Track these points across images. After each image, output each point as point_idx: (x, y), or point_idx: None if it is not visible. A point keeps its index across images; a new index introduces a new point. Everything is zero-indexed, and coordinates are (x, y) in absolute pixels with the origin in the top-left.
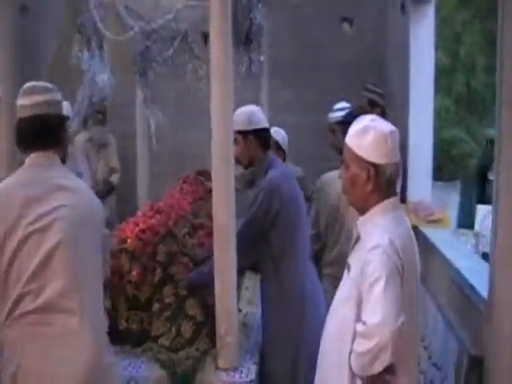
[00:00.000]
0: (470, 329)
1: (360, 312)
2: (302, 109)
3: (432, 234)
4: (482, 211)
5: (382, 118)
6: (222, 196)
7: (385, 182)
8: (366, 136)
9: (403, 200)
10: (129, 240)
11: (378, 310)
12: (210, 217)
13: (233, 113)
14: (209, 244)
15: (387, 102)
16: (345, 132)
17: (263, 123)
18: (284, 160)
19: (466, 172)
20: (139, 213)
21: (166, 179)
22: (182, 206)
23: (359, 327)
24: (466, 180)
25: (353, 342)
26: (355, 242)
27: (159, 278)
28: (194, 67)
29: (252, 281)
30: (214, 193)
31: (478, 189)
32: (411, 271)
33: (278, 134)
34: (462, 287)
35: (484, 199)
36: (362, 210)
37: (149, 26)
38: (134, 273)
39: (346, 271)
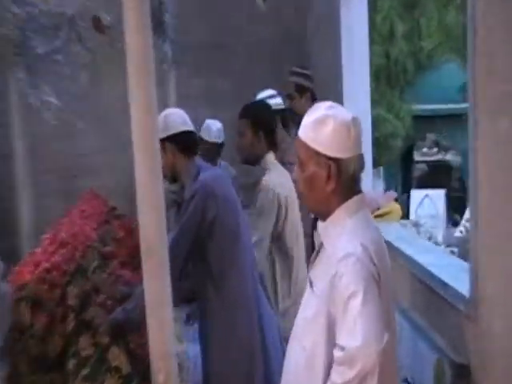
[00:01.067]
0: (447, 333)
1: (331, 335)
2: (215, 101)
3: (381, 229)
4: (417, 197)
5: (312, 103)
6: (151, 214)
7: (348, 179)
8: (324, 127)
9: None
10: (29, 284)
11: (359, 331)
12: (118, 242)
13: (157, 112)
14: (128, 276)
15: (314, 85)
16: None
17: (182, 126)
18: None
19: (389, 155)
20: (38, 249)
21: (56, 202)
22: (88, 234)
23: (336, 353)
24: (390, 164)
25: (325, 373)
26: (317, 253)
27: (72, 327)
28: (83, 60)
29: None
30: (140, 211)
31: (403, 172)
32: (386, 278)
33: (207, 127)
34: (430, 286)
35: (410, 183)
36: (323, 215)
37: (24, 11)
38: (39, 324)
39: (308, 287)
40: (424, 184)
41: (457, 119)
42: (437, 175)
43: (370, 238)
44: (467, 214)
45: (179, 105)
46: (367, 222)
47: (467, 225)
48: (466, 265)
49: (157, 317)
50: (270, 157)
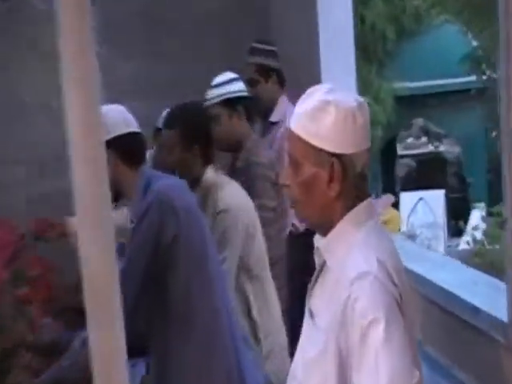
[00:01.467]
0: (478, 369)
1: (344, 378)
2: (151, 91)
3: None
4: (408, 201)
5: (280, 88)
6: (97, 244)
7: (355, 180)
8: (325, 116)
9: None
10: None
11: (382, 370)
12: (34, 282)
13: (100, 110)
14: (54, 326)
15: (282, 64)
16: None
17: (124, 127)
18: None
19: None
20: None
21: None
22: None
23: None
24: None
25: None
26: (317, 276)
27: None
28: None
29: None
30: (82, 240)
31: (384, 170)
32: (408, 300)
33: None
34: (452, 312)
35: (393, 184)
36: (325, 227)
37: None
38: None
39: (307, 320)
40: (411, 184)
41: (455, 98)
42: (428, 172)
43: (387, 251)
44: (474, 220)
45: (105, 97)
46: (380, 232)
47: (476, 234)
48: (496, 282)
49: (105, 372)
50: (211, 173)
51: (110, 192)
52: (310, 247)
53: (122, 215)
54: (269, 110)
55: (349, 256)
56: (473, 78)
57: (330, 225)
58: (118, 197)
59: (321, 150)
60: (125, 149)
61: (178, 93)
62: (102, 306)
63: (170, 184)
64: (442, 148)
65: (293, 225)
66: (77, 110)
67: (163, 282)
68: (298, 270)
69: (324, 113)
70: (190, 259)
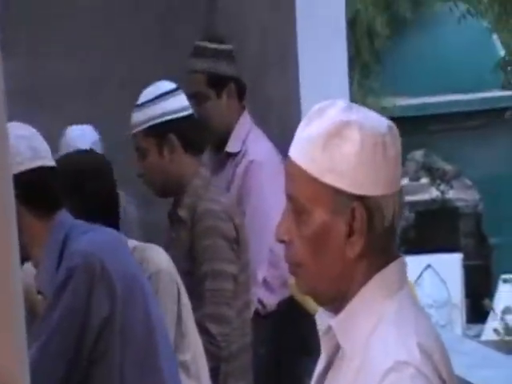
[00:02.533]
0: None
1: None
2: (51, 97)
3: None
4: (412, 268)
5: (239, 103)
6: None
7: (384, 234)
8: (344, 143)
9: None
10: None
11: None
12: None
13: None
14: None
15: (241, 69)
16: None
17: (29, 160)
18: None
19: None
20: None
21: None
22: None
23: None
24: None
25: None
26: (327, 366)
27: None
28: None
29: None
30: None
31: None
32: None
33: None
34: None
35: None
36: (338, 299)
37: None
38: None
39: None
40: (408, 245)
41: (472, 122)
42: (431, 228)
43: (428, 333)
44: (503, 299)
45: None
46: (415, 306)
47: (508, 319)
48: None
49: None
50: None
51: (18, 253)
52: (283, 331)
53: (28, 275)
54: (223, 136)
55: (376, 336)
56: (500, 93)
57: (345, 295)
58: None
59: (339, 192)
60: (28, 191)
61: (90, 100)
62: None
63: (100, 242)
64: (451, 194)
65: (259, 301)
66: None
67: (88, 380)
68: (270, 365)
69: (344, 139)
70: (127, 350)
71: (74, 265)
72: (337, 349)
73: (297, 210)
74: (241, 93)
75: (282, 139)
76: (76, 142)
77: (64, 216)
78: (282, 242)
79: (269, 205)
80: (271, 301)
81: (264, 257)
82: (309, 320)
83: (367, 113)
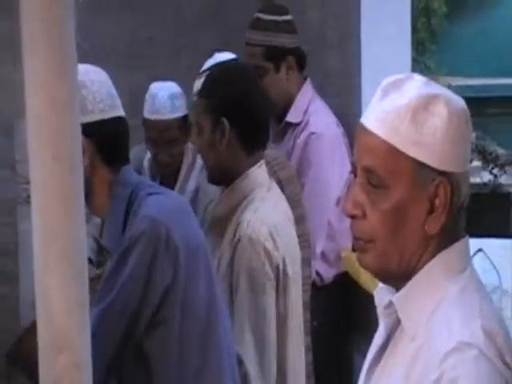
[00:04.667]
0: None
1: None
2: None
3: None
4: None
5: (300, 74)
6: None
7: (458, 211)
8: (432, 117)
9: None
10: None
11: None
12: None
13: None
14: None
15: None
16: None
17: (110, 108)
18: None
19: None
20: None
21: None
22: None
23: None
24: None
25: None
26: (385, 342)
27: None
28: None
29: None
30: (37, 266)
31: None
32: None
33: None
34: None
35: None
36: (402, 276)
37: None
38: None
39: None
40: None
41: None
42: (483, 212)
43: (492, 316)
44: None
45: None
46: (480, 288)
47: None
48: None
49: None
50: (258, 174)
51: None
52: (335, 305)
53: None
54: (285, 107)
55: (438, 316)
56: None
57: (409, 272)
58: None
59: (424, 166)
60: (107, 141)
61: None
62: (64, 369)
63: (167, 207)
64: (504, 179)
65: (317, 273)
66: (37, 74)
67: (146, 346)
68: (320, 339)
69: (431, 113)
70: (188, 318)
71: (141, 231)
72: (396, 325)
73: (373, 182)
74: (301, 64)
75: (340, 111)
76: (161, 96)
77: (130, 172)
78: (352, 216)
79: (328, 177)
80: (328, 273)
81: (323, 230)
82: (360, 295)
83: (445, 88)
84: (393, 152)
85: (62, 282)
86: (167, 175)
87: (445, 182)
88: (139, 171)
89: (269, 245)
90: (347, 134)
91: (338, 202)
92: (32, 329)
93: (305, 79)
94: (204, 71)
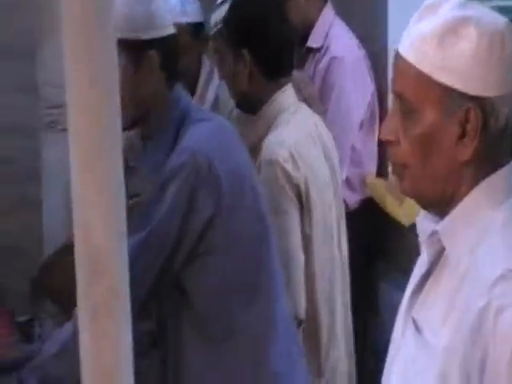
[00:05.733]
0: None
1: None
2: None
3: None
4: None
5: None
6: (100, 206)
7: (496, 137)
8: (461, 41)
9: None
10: None
11: None
12: None
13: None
14: None
15: None
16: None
17: (169, 22)
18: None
19: None
20: None
21: None
22: None
23: None
24: None
25: None
26: (428, 271)
27: None
28: None
29: None
30: (76, 199)
31: None
32: None
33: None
34: None
35: None
36: (443, 204)
37: None
38: None
39: (409, 334)
40: None
41: None
42: None
43: None
44: None
45: None
46: None
47: None
48: None
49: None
50: (283, 98)
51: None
52: (360, 232)
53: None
54: (305, 32)
55: (483, 245)
56: None
57: (451, 200)
58: (134, 124)
59: (452, 91)
60: (172, 54)
61: None
62: (105, 296)
63: (212, 138)
64: None
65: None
66: None
67: (185, 281)
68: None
69: (460, 36)
70: (232, 254)
71: (181, 162)
72: (440, 254)
73: (404, 108)
74: None
75: (365, 32)
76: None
77: (182, 91)
78: (387, 141)
79: (351, 102)
80: (353, 199)
81: (346, 154)
82: (386, 221)
83: (483, 9)
84: (421, 77)
85: (101, 208)
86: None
87: (475, 107)
88: None
89: (288, 166)
90: (371, 57)
91: (361, 125)
92: (57, 256)
93: (325, 2)
94: (223, 1)
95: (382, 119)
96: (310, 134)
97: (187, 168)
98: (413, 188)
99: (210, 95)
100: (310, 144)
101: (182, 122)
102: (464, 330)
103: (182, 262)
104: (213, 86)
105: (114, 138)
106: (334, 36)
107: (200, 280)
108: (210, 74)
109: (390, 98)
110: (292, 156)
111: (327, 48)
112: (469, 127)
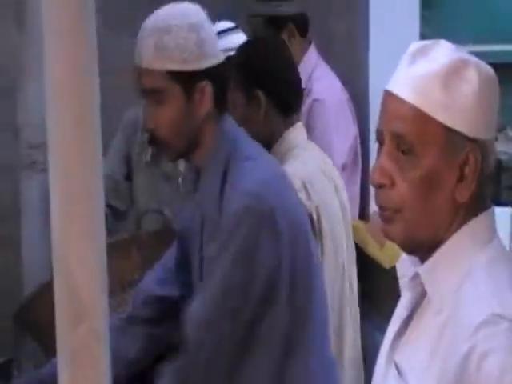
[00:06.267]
0: None
1: None
2: None
3: None
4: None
5: (302, 39)
6: (86, 249)
7: (487, 180)
8: (463, 83)
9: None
10: None
11: None
12: None
13: None
14: None
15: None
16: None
17: (218, 51)
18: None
19: None
20: None
21: None
22: None
23: None
24: None
25: None
26: (409, 314)
27: None
28: None
29: None
30: (59, 242)
31: None
32: None
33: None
34: None
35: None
36: (427, 246)
37: None
38: None
39: (391, 377)
40: None
41: None
42: None
43: None
44: None
45: None
46: (507, 259)
47: None
48: None
49: None
50: (296, 135)
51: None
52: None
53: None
54: None
55: (466, 287)
56: None
57: (437, 242)
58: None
59: (454, 132)
60: (221, 82)
61: None
62: (88, 338)
63: (268, 178)
64: (495, 145)
65: None
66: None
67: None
68: None
69: (463, 78)
70: (294, 301)
71: (244, 206)
72: (422, 297)
73: (403, 148)
74: (303, 30)
75: (346, 75)
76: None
77: (230, 121)
78: (380, 185)
79: (333, 145)
80: None
81: None
82: (369, 265)
83: (471, 55)
84: (423, 118)
85: (82, 250)
86: None
87: (475, 149)
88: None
89: (301, 195)
90: (354, 100)
91: (343, 168)
92: (39, 293)
93: (309, 44)
94: (224, 30)
95: (363, 162)
96: (321, 169)
97: (250, 212)
98: (405, 232)
99: None
100: (322, 178)
101: (231, 154)
102: (448, 376)
103: (253, 310)
104: None
105: (95, 178)
106: (317, 78)
107: (264, 330)
108: None
109: (373, 140)
110: (304, 186)
111: (310, 90)
112: (467, 170)
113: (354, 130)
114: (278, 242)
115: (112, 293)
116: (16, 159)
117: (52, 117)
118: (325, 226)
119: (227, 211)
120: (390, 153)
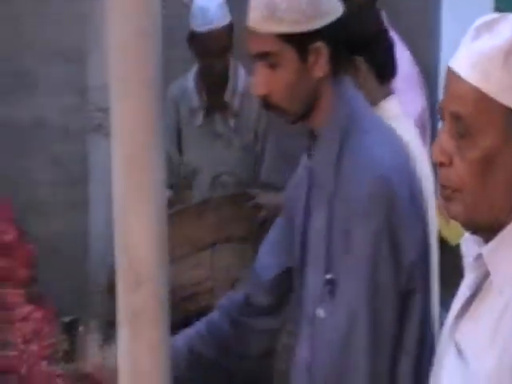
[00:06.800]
0: None
1: None
2: None
3: None
4: None
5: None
6: (144, 217)
7: None
8: None
9: None
10: None
11: None
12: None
13: None
14: None
15: None
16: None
17: (336, 8)
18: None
19: None
20: None
21: None
22: None
23: None
24: None
25: None
26: (472, 295)
27: None
28: None
29: None
30: (118, 209)
31: None
32: None
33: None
34: None
35: None
36: (492, 227)
37: None
38: None
39: (451, 358)
40: None
41: None
42: None
43: None
44: None
45: None
46: None
47: None
48: None
49: None
50: (391, 107)
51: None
52: None
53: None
54: None
55: None
56: None
57: (499, 224)
58: (299, 120)
59: None
60: (337, 42)
61: None
62: (142, 303)
63: (395, 159)
64: None
65: None
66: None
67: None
68: None
69: None
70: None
71: (372, 192)
72: (485, 278)
73: (460, 130)
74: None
75: (418, 48)
76: (212, 7)
77: (350, 85)
78: (439, 163)
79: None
80: None
81: None
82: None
83: None
84: (483, 99)
85: (142, 217)
86: (216, 83)
87: None
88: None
89: None
90: (424, 73)
91: None
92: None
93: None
94: None
95: (433, 136)
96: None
97: (379, 196)
98: (465, 212)
99: (240, 85)
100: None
101: (350, 122)
102: (510, 356)
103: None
104: (240, 75)
105: (157, 145)
106: None
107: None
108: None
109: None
110: None
111: None
112: None
113: (422, 103)
114: (418, 231)
115: (188, 254)
116: (84, 122)
117: (114, 82)
118: None
119: (354, 194)
120: (449, 131)
